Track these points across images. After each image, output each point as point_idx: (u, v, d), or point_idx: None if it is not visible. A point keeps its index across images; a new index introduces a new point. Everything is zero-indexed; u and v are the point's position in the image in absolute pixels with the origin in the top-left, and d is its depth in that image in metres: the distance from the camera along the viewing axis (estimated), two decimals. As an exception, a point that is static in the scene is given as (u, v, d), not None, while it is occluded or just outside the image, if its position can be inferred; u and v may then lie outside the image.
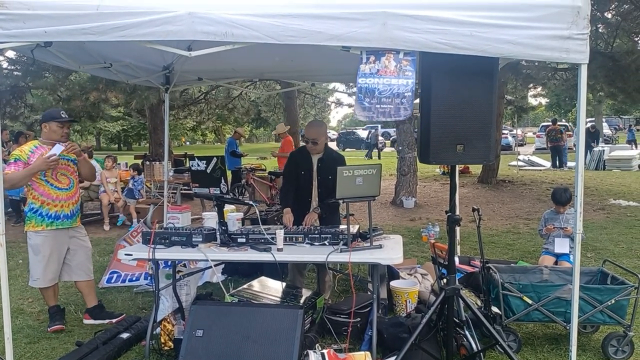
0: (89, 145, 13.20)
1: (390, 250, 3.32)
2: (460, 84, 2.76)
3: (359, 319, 3.60)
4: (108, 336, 3.55)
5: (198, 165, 3.61)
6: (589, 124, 19.88)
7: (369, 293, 3.84)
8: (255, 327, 3.02)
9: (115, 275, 5.12)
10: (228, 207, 4.56)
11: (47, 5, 2.70)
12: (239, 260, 3.89)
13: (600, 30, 9.88)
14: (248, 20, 2.66)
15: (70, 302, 4.56)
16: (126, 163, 9.99)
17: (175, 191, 9.02)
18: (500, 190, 11.79)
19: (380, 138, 26.91)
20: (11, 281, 4.78)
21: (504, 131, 22.36)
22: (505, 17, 2.61)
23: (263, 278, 4.34)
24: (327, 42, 2.68)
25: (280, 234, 3.33)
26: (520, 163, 17.34)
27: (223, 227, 3.51)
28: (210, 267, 3.81)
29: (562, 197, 4.54)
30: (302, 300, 3.84)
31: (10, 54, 9.56)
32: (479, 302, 3.70)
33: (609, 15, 9.77)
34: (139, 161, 10.75)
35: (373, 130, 26.93)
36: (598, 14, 9.08)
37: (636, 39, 10.64)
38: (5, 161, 3.74)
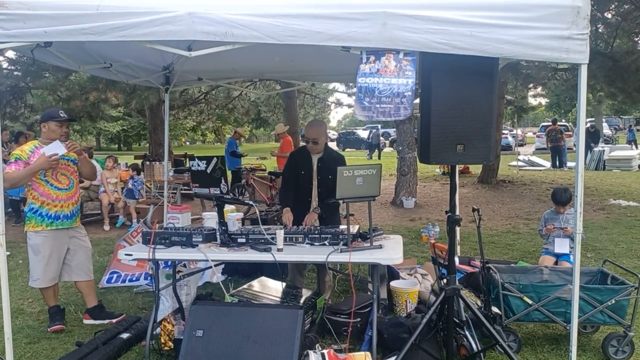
0: (89, 146, 13.19)
1: (390, 251, 3.32)
2: (460, 84, 2.76)
3: (359, 319, 3.60)
4: (108, 336, 3.55)
5: (198, 165, 3.61)
6: (588, 124, 19.87)
7: (369, 293, 3.84)
8: (256, 327, 3.02)
9: (115, 276, 5.12)
10: (228, 207, 4.56)
11: (47, 5, 2.70)
12: (239, 260, 3.89)
13: (600, 30, 9.88)
14: (248, 20, 2.66)
15: (70, 302, 4.56)
16: (126, 163, 9.99)
17: (175, 191, 9.02)
18: (500, 190, 11.79)
19: (380, 138, 26.89)
20: (11, 281, 4.78)
21: (504, 131, 22.36)
22: (505, 17, 2.61)
23: (263, 278, 4.34)
24: (327, 42, 2.67)
25: (280, 234, 3.33)
26: (520, 163, 17.35)
27: (223, 227, 3.51)
28: (210, 267, 3.81)
29: (562, 197, 4.54)
30: (302, 301, 3.84)
31: (10, 54, 9.58)
32: (479, 302, 3.70)
33: (609, 15, 9.78)
34: (139, 161, 10.75)
35: (374, 130, 26.91)
36: (598, 14, 9.08)
37: (636, 39, 10.64)
38: (5, 161, 3.74)
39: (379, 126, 30.29)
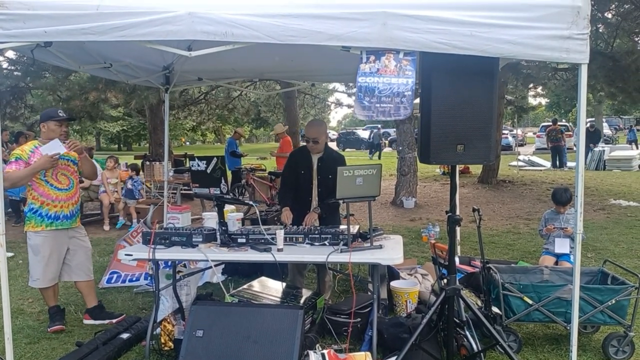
0: (90, 146, 13.19)
1: (390, 251, 3.32)
2: (460, 84, 2.76)
3: (359, 319, 3.60)
4: (108, 336, 3.54)
5: (198, 165, 3.61)
6: (588, 124, 19.85)
7: (369, 293, 3.84)
8: (256, 327, 3.02)
9: (115, 276, 5.12)
10: (228, 207, 4.56)
11: (47, 5, 2.70)
12: (239, 260, 3.89)
13: (600, 30, 9.88)
14: (248, 20, 2.65)
15: (70, 302, 4.55)
16: (126, 163, 9.98)
17: (175, 191, 9.02)
18: (500, 190, 11.79)
19: (381, 138, 26.88)
20: (11, 281, 4.78)
21: (504, 131, 22.36)
22: (505, 17, 2.60)
23: (263, 278, 4.34)
24: (327, 42, 2.67)
25: (280, 234, 3.32)
26: (520, 163, 17.34)
27: (223, 227, 3.50)
28: (211, 267, 3.81)
29: (562, 197, 4.54)
30: (302, 301, 3.83)
31: (10, 54, 9.58)
32: (479, 303, 3.70)
33: (609, 15, 9.78)
34: (139, 161, 10.74)
35: (376, 130, 26.89)
36: (598, 14, 9.08)
37: (636, 39, 10.64)
38: (5, 161, 3.74)
39: (379, 126, 30.30)
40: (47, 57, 3.62)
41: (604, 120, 28.89)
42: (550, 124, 19.69)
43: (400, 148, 9.83)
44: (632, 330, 3.34)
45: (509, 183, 12.79)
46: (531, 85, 13.13)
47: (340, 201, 3.32)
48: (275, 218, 5.55)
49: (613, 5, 9.49)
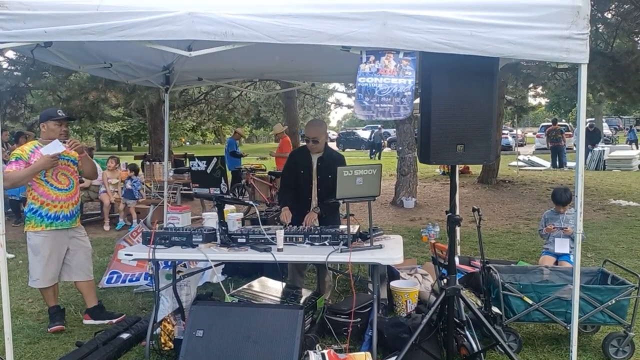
0: (90, 146, 13.18)
1: (390, 251, 3.32)
2: (460, 84, 2.76)
3: (359, 319, 3.60)
4: (108, 336, 3.54)
5: (198, 165, 3.61)
6: (587, 124, 19.84)
7: (369, 293, 3.84)
8: (256, 327, 3.02)
9: (115, 276, 5.12)
10: (228, 207, 4.56)
11: (47, 5, 2.70)
12: (239, 260, 3.89)
13: (600, 30, 9.88)
14: (248, 20, 2.65)
15: (70, 302, 4.55)
16: (126, 163, 9.99)
17: (175, 191, 9.02)
18: (500, 190, 11.79)
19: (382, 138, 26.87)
20: (11, 281, 4.78)
21: (504, 131, 22.36)
22: (505, 17, 2.60)
23: (263, 278, 4.34)
24: (327, 42, 2.67)
25: (280, 234, 3.32)
26: (520, 163, 17.34)
27: (223, 227, 3.50)
28: (211, 267, 3.81)
29: (562, 197, 4.54)
30: (302, 301, 3.83)
31: (10, 54, 9.58)
32: (479, 303, 3.70)
33: (609, 15, 9.78)
34: (139, 161, 10.74)
35: (376, 130, 26.87)
36: (598, 14, 9.08)
37: (636, 39, 10.64)
38: (5, 161, 3.74)
39: (380, 126, 30.32)
40: (47, 57, 3.62)
41: (604, 120, 28.89)
42: (550, 124, 19.69)
43: (400, 148, 9.83)
44: (632, 330, 3.34)
45: (509, 183, 12.79)
46: (531, 85, 13.13)
47: (340, 201, 3.32)
48: (275, 218, 5.54)
49: (613, 5, 9.49)
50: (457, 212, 3.10)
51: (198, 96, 15.08)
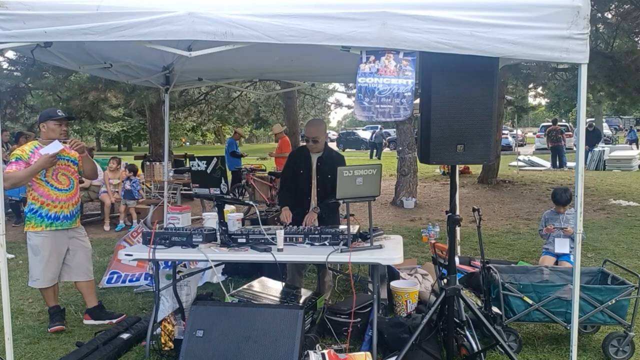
0: (90, 147, 13.20)
1: (390, 251, 3.32)
2: (460, 84, 2.76)
3: (359, 319, 3.60)
4: (108, 336, 3.54)
5: (198, 165, 3.61)
6: (587, 124, 19.82)
7: (369, 293, 3.84)
8: (256, 327, 3.02)
9: (115, 276, 5.12)
10: (228, 208, 4.56)
11: (47, 5, 2.70)
12: (239, 260, 3.89)
13: (600, 30, 9.87)
14: (248, 20, 2.66)
15: (70, 302, 4.55)
16: (125, 163, 9.99)
17: (175, 191, 9.02)
18: (500, 190, 11.79)
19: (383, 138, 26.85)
20: (11, 281, 4.78)
21: (504, 131, 22.38)
22: (505, 17, 2.60)
23: (263, 278, 4.34)
24: (327, 42, 2.67)
25: (280, 234, 3.32)
26: (520, 163, 17.35)
27: (223, 228, 3.50)
28: (211, 267, 3.81)
29: (562, 197, 4.54)
30: (302, 301, 3.84)
31: (10, 54, 9.59)
32: (479, 303, 3.70)
33: (609, 15, 9.78)
34: (139, 162, 10.75)
35: (377, 130, 26.87)
36: (598, 14, 9.08)
37: (636, 39, 10.64)
38: (5, 161, 3.74)
39: (380, 126, 30.33)
40: (47, 57, 3.62)
41: (604, 120, 28.88)
42: (550, 124, 19.68)
43: (400, 148, 9.83)
44: (632, 330, 3.34)
45: (509, 183, 12.79)
46: (531, 85, 13.14)
47: (340, 201, 3.32)
48: (275, 218, 5.55)
49: (613, 5, 9.49)
50: (457, 212, 3.10)
51: (198, 96, 15.09)
